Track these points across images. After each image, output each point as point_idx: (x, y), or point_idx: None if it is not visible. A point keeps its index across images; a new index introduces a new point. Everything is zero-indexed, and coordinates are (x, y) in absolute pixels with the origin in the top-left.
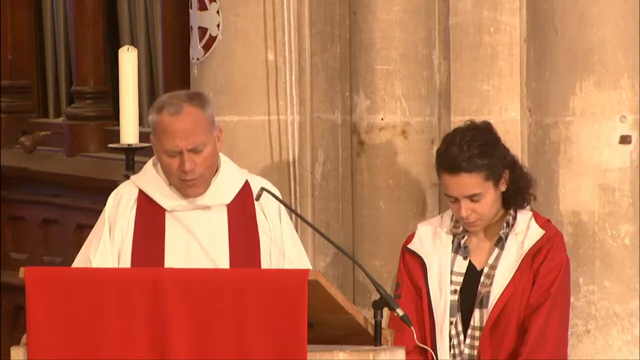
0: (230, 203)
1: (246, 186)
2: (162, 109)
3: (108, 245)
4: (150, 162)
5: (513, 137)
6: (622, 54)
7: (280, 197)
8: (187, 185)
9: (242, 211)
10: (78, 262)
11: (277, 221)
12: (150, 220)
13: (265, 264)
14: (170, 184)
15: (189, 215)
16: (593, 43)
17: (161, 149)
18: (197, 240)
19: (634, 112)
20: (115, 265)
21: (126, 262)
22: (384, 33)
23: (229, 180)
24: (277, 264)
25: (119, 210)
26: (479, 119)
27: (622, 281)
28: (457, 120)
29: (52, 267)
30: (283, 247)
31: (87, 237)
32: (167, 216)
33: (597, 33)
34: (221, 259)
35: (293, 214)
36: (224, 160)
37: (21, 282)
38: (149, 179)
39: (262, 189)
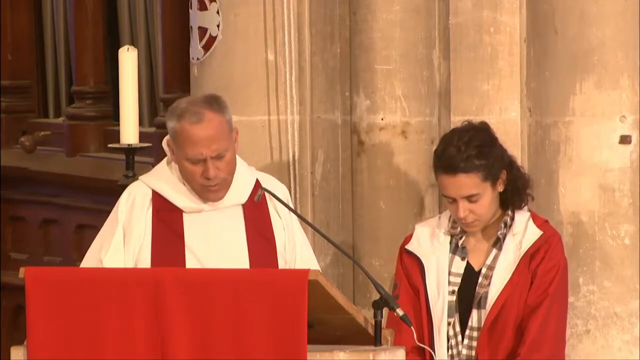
0: (245, 202)
1: (257, 185)
2: (182, 116)
3: (120, 245)
4: (164, 162)
5: (513, 137)
6: (622, 54)
7: (288, 193)
8: (210, 190)
9: (256, 210)
10: (88, 263)
11: (289, 218)
12: (168, 221)
13: (281, 261)
14: (185, 184)
15: (206, 215)
16: (593, 43)
17: (182, 156)
18: (216, 241)
19: (634, 112)
20: (127, 266)
21: (145, 265)
22: (384, 33)
23: (242, 179)
24: (291, 261)
25: (134, 213)
26: (479, 119)
27: (622, 281)
28: (457, 120)
29: (52, 267)
30: (295, 244)
31: (87, 237)
32: (185, 217)
33: (597, 33)
34: (241, 258)
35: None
36: (237, 160)
37: (21, 282)
38: (163, 179)
39: (262, 189)
